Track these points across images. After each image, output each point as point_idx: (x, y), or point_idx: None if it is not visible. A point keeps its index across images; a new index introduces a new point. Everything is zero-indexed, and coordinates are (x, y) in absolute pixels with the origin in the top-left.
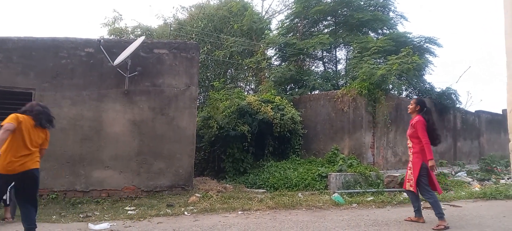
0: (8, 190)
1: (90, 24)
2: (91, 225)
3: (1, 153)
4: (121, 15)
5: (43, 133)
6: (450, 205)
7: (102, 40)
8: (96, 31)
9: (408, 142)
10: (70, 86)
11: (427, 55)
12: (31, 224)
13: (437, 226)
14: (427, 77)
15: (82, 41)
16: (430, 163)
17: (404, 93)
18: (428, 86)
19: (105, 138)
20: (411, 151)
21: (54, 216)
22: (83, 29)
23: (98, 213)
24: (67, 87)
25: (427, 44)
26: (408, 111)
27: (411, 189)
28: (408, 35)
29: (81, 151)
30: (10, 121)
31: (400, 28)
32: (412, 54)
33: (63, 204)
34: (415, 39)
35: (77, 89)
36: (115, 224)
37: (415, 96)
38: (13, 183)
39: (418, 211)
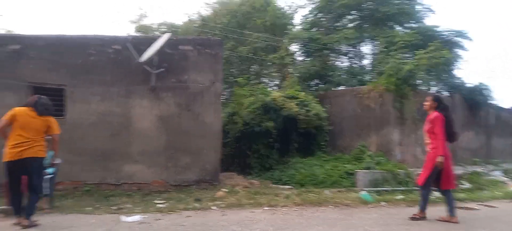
0: (44, 180)
1: (118, 22)
2: (123, 217)
3: (6, 144)
4: (146, 12)
5: (45, 120)
6: (485, 205)
7: (129, 38)
8: (123, 29)
9: (425, 138)
10: (99, 82)
11: (456, 49)
12: (28, 211)
13: (413, 216)
14: (457, 72)
15: (110, 39)
16: (439, 159)
17: (433, 89)
18: (458, 81)
19: (134, 133)
20: (429, 146)
21: (89, 208)
22: (111, 26)
23: (129, 206)
24: (96, 83)
25: (457, 38)
26: (424, 108)
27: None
28: (436, 28)
29: (112, 145)
30: (4, 116)
31: (428, 22)
32: (441, 48)
33: (96, 196)
34: (444, 33)
35: (105, 85)
36: (146, 216)
37: (445, 92)
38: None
39: (451, 210)
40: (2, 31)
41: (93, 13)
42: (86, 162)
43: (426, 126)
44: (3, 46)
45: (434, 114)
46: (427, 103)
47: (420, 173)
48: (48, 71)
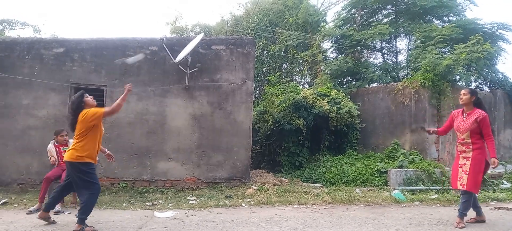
0: None
1: (154, 23)
2: (157, 213)
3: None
4: (181, 14)
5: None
6: None
7: (164, 39)
8: (159, 30)
9: (462, 137)
10: (136, 82)
11: (499, 43)
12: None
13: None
14: (500, 67)
15: (147, 40)
16: (495, 161)
17: (473, 84)
18: (501, 76)
19: (168, 131)
20: (470, 147)
21: (124, 204)
22: (148, 28)
23: (163, 202)
24: (134, 83)
25: (500, 31)
26: (461, 103)
27: (462, 188)
28: (478, 21)
29: (147, 143)
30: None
31: (469, 15)
32: (482, 42)
33: (131, 192)
34: (486, 26)
35: (143, 85)
36: (178, 212)
37: (485, 88)
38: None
39: (478, 209)
40: (47, 36)
41: (131, 16)
42: (122, 160)
43: (470, 125)
44: (48, 49)
45: (480, 113)
46: (464, 97)
47: (467, 179)
48: (89, 72)
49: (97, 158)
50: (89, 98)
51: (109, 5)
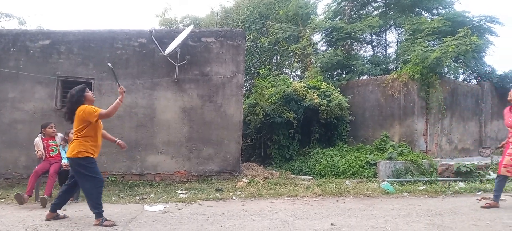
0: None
1: (143, 15)
2: (147, 207)
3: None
4: (170, 5)
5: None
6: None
7: (153, 31)
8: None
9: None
10: (125, 75)
11: (487, 36)
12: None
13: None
14: (488, 59)
15: (135, 32)
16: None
17: (461, 77)
18: (488, 69)
19: (158, 125)
20: None
21: (114, 197)
22: (136, 19)
23: (152, 196)
24: (123, 76)
25: (488, 24)
26: (508, 99)
27: (509, 174)
28: (466, 14)
29: (137, 136)
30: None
31: (457, 7)
32: (470, 34)
33: (121, 186)
34: (474, 19)
35: (131, 78)
36: (168, 206)
37: (473, 80)
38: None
39: (498, 197)
40: (33, 28)
41: (120, 8)
42: (111, 153)
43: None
44: (34, 41)
45: None
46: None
47: (502, 163)
48: (76, 65)
49: None
50: (89, 94)
51: None
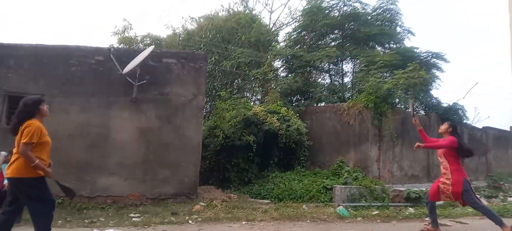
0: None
1: (101, 33)
2: None
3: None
4: (131, 24)
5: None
6: (457, 222)
7: (112, 49)
8: (106, 40)
9: (441, 160)
10: (79, 93)
11: (434, 70)
12: None
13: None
14: (434, 92)
15: (93, 50)
16: (419, 144)
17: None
18: (434, 101)
19: (112, 145)
20: (448, 169)
21: (60, 221)
22: (94, 37)
23: (103, 219)
24: (76, 94)
25: (434, 60)
26: (439, 131)
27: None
28: (415, 50)
29: (88, 157)
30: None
31: (407, 43)
32: (419, 69)
33: (68, 209)
34: (422, 54)
35: (85, 96)
36: (120, 230)
37: (421, 111)
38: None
39: (434, 222)
40: None
41: (77, 24)
42: (59, 174)
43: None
44: None
45: (448, 137)
46: (443, 127)
47: (436, 191)
48: (26, 80)
49: None
50: (45, 108)
51: (53, 14)
